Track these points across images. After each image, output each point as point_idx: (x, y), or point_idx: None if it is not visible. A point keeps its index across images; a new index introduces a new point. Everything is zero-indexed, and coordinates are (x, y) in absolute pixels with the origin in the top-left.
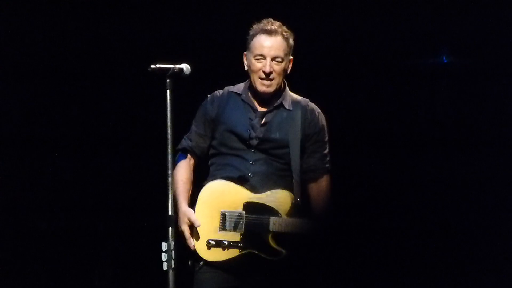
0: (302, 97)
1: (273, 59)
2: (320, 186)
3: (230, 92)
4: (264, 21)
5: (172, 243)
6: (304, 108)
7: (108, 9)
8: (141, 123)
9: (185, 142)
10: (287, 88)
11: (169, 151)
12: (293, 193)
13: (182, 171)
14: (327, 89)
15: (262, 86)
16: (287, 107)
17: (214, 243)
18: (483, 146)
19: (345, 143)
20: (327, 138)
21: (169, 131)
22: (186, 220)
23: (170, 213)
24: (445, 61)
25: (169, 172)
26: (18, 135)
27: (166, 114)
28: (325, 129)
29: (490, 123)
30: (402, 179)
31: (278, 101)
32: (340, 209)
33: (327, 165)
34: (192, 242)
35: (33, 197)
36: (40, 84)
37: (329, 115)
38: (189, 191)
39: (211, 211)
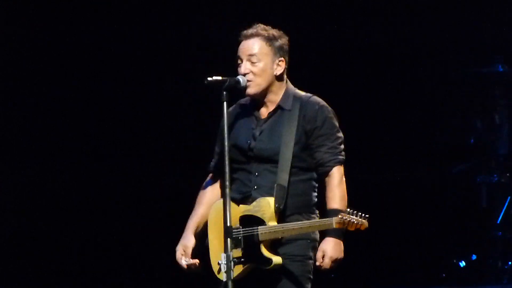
0: (305, 93)
1: (248, 59)
2: (331, 180)
3: (239, 105)
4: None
5: (231, 254)
6: (304, 104)
7: (164, 20)
8: (198, 135)
9: (211, 164)
10: (289, 88)
11: (227, 162)
12: (277, 198)
13: (203, 201)
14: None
15: (246, 88)
16: (286, 108)
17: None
18: None
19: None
20: (335, 129)
21: (226, 143)
22: (182, 250)
23: (228, 225)
24: (501, 69)
25: (227, 183)
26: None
27: (223, 127)
28: (331, 120)
29: None
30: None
31: (277, 104)
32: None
33: (339, 157)
34: (182, 261)
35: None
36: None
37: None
38: (201, 224)
39: (219, 232)
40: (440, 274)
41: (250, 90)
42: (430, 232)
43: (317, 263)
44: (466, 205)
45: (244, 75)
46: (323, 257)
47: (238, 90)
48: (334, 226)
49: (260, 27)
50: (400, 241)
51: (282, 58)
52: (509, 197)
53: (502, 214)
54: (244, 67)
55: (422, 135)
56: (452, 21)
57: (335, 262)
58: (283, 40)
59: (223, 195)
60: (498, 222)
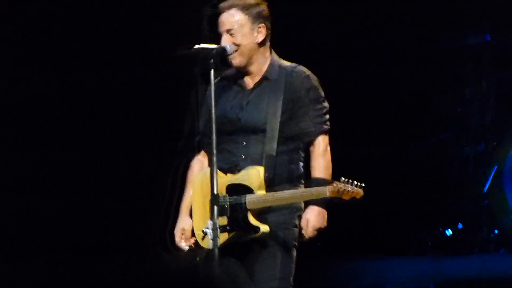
0: (291, 63)
1: (227, 32)
2: (315, 149)
3: (223, 76)
4: None
5: (217, 221)
6: (290, 74)
7: None
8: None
9: (196, 139)
10: (274, 57)
11: (214, 130)
12: (266, 167)
13: (192, 178)
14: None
15: (230, 61)
16: (272, 78)
17: (207, 231)
18: None
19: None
20: (321, 99)
21: (213, 111)
22: (180, 234)
23: (215, 192)
24: (489, 39)
25: (214, 151)
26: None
27: (209, 95)
28: (317, 90)
29: None
30: None
31: (263, 75)
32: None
33: (324, 126)
34: (182, 244)
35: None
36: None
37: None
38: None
39: (204, 200)
40: (427, 243)
41: (235, 61)
42: (417, 201)
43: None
44: (453, 174)
45: None
46: (306, 225)
47: (225, 58)
48: (328, 194)
49: None
50: (386, 211)
51: (262, 24)
52: (495, 166)
53: (488, 183)
54: (224, 40)
55: (411, 103)
56: None
57: (318, 231)
58: (261, 7)
59: (209, 163)
60: (485, 191)
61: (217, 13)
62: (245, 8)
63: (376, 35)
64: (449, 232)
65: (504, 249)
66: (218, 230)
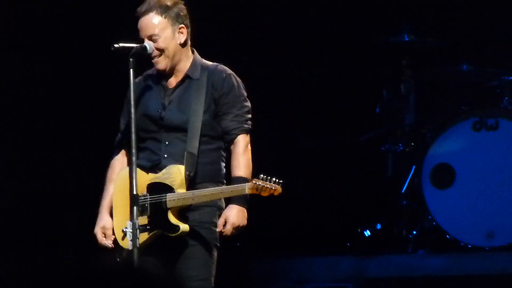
0: (213, 63)
1: (149, 38)
2: (236, 148)
3: (146, 75)
4: None
5: (137, 222)
6: (212, 73)
7: None
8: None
9: (116, 137)
10: (196, 57)
11: (133, 130)
12: (187, 166)
13: (114, 178)
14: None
15: (155, 65)
16: (194, 77)
17: (126, 231)
18: None
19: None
20: (242, 98)
21: (132, 110)
22: (101, 233)
23: (134, 192)
24: (407, 39)
25: (133, 151)
26: None
27: (130, 94)
28: (238, 89)
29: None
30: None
31: (185, 74)
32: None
33: (244, 125)
34: (105, 242)
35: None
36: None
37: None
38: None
39: (125, 199)
40: (345, 243)
41: (160, 65)
42: (335, 201)
43: (218, 229)
44: (372, 174)
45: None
46: (225, 223)
47: (145, 60)
48: (247, 192)
49: (151, 2)
50: (305, 210)
51: (182, 25)
52: (414, 167)
53: (407, 183)
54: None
55: (329, 104)
56: None
57: (237, 229)
58: (179, 7)
59: (129, 163)
60: (403, 191)
61: (136, 17)
62: (163, 11)
63: (302, 33)
64: (367, 232)
65: (422, 249)
66: (138, 230)
